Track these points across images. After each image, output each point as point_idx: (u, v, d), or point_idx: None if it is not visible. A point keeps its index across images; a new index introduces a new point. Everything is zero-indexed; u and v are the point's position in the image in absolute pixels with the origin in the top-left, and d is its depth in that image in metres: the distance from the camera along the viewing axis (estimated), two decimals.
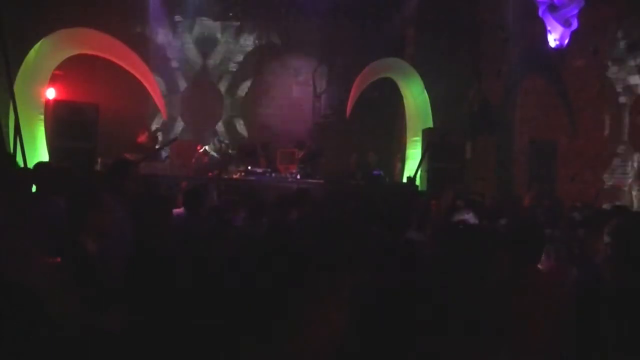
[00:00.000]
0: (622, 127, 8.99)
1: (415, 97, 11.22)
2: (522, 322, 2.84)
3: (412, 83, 11.22)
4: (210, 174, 9.74)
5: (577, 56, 9.52)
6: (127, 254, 3.22)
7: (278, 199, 5.35)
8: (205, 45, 12.28)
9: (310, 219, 4.19)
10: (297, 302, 1.65)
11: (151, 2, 11.37)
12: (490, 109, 11.51)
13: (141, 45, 10.55)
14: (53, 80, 9.50)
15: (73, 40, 9.52)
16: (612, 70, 9.11)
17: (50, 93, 9.45)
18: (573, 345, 2.84)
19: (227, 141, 10.55)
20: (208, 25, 12.19)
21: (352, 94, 10.69)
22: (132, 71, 10.26)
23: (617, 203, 7.80)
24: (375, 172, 10.70)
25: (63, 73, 9.75)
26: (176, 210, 4.40)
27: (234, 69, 12.46)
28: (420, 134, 10.76)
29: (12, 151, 6.79)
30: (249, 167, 9.91)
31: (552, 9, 8.91)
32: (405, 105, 11.53)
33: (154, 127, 11.57)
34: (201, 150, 10.32)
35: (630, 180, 8.78)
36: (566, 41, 8.96)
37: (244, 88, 12.56)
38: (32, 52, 8.94)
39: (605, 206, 7.78)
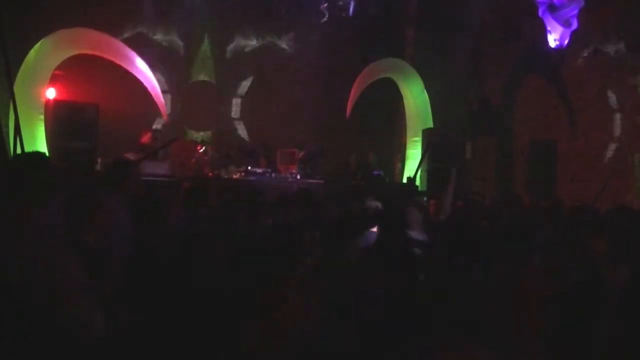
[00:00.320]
0: (622, 127, 9.00)
1: (415, 97, 11.22)
2: (521, 322, 2.84)
3: (412, 83, 11.22)
4: (210, 174, 9.74)
5: (577, 56, 9.52)
6: (127, 254, 3.22)
7: (278, 198, 5.35)
8: (205, 45, 12.28)
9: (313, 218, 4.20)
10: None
11: (147, 1, 11.36)
12: (490, 109, 11.51)
13: (141, 45, 10.54)
14: (53, 80, 9.49)
15: (73, 40, 9.52)
16: (612, 70, 9.11)
17: (50, 93, 9.45)
18: (573, 345, 2.84)
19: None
20: (208, 25, 12.19)
21: (352, 94, 10.69)
22: (132, 71, 10.26)
23: (618, 203, 7.80)
24: (375, 172, 10.70)
25: (63, 73, 9.74)
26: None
27: (234, 69, 12.45)
28: (420, 134, 10.76)
29: (12, 151, 6.79)
30: (249, 167, 9.91)
31: (552, 9, 8.91)
32: (405, 105, 11.53)
33: (154, 127, 11.57)
34: (201, 150, 10.32)
35: (630, 180, 8.78)
36: (566, 41, 8.97)
37: (244, 88, 12.56)
38: (32, 52, 8.94)
39: (605, 207, 7.78)
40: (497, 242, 3.45)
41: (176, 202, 4.49)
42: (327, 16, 12.04)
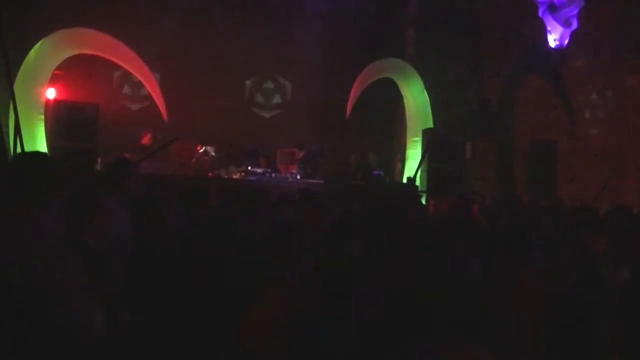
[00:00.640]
0: (622, 127, 9.00)
1: (415, 97, 11.22)
2: (521, 322, 2.84)
3: (412, 83, 11.22)
4: (210, 174, 9.74)
5: (577, 56, 9.52)
6: (127, 254, 3.22)
7: (278, 198, 5.35)
8: (205, 45, 12.27)
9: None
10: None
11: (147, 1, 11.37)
12: (490, 109, 11.51)
13: (141, 45, 10.53)
14: (53, 80, 9.49)
15: (73, 40, 9.52)
16: (612, 70, 9.11)
17: (50, 93, 9.45)
18: (573, 345, 2.84)
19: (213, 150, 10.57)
20: (208, 25, 12.18)
21: (352, 94, 10.69)
22: (132, 71, 10.26)
23: (618, 203, 7.80)
24: (375, 172, 10.71)
25: (63, 73, 9.75)
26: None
27: (234, 69, 12.45)
28: (420, 134, 10.76)
29: (12, 151, 6.79)
30: (249, 167, 9.91)
31: (552, 9, 8.91)
32: (405, 105, 11.53)
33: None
34: (201, 150, 10.32)
35: (630, 181, 8.78)
36: (566, 41, 8.97)
37: (244, 87, 12.56)
38: (32, 52, 8.94)
39: (605, 207, 7.78)
40: (497, 242, 3.45)
41: (176, 202, 4.49)
42: (327, 16, 12.03)
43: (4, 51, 6.47)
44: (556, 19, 8.88)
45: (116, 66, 9.97)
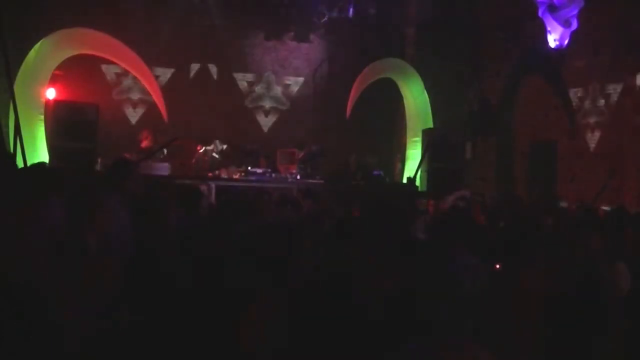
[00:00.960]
0: (622, 127, 8.99)
1: (415, 97, 11.21)
2: (521, 322, 2.84)
3: (412, 83, 11.21)
4: (210, 174, 9.74)
5: (577, 56, 9.52)
6: (127, 254, 3.22)
7: (279, 198, 5.36)
8: (205, 45, 12.27)
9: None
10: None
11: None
12: (490, 109, 11.51)
13: (141, 45, 10.53)
14: (53, 80, 9.49)
15: (73, 40, 9.52)
16: (612, 70, 9.11)
17: (50, 93, 9.45)
18: (573, 345, 2.84)
19: (225, 145, 10.55)
20: (208, 25, 12.18)
21: (352, 94, 10.69)
22: (132, 71, 10.26)
23: (617, 203, 7.80)
24: (375, 172, 10.70)
25: (63, 73, 9.74)
26: None
27: (234, 69, 12.45)
28: (420, 134, 10.75)
29: (12, 151, 6.79)
30: (249, 168, 9.91)
31: (552, 9, 8.92)
32: (405, 105, 11.52)
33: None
34: (201, 150, 10.31)
35: (630, 181, 8.78)
36: (566, 41, 8.97)
37: (244, 87, 12.55)
38: (32, 52, 8.94)
39: (605, 207, 7.78)
40: (497, 242, 3.45)
41: (176, 202, 4.49)
42: (327, 16, 12.03)
43: (4, 51, 6.47)
44: (556, 19, 8.89)
45: (116, 66, 9.96)
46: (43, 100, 9.03)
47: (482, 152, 11.44)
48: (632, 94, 8.83)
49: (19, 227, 2.07)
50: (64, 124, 8.66)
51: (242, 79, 12.57)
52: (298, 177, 9.95)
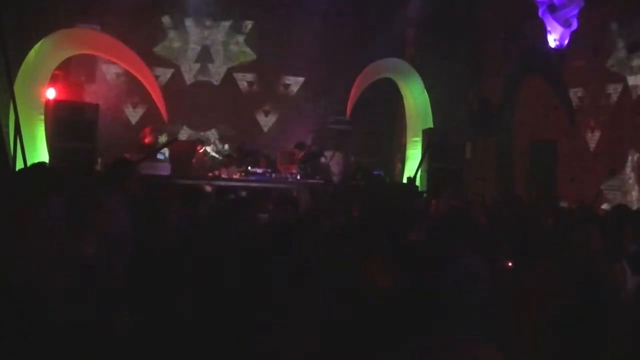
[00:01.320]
0: (622, 127, 8.99)
1: (415, 98, 11.21)
2: (521, 322, 2.84)
3: (412, 83, 11.21)
4: (210, 174, 9.73)
5: (577, 56, 9.52)
6: (127, 254, 3.22)
7: (279, 198, 5.36)
8: (205, 45, 12.27)
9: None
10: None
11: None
12: (490, 109, 11.51)
13: (142, 46, 10.54)
14: (53, 80, 9.49)
15: (73, 40, 9.52)
16: (612, 71, 9.11)
17: (50, 93, 9.45)
18: (573, 345, 2.84)
19: (226, 146, 10.58)
20: (208, 26, 12.19)
21: (352, 94, 10.69)
22: (133, 71, 10.26)
23: (617, 203, 7.80)
24: (375, 172, 10.70)
25: (63, 73, 9.74)
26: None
27: (234, 69, 12.45)
28: (420, 134, 10.75)
29: (12, 151, 6.80)
30: (249, 167, 9.91)
31: (552, 9, 8.91)
32: (405, 105, 11.52)
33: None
34: (201, 150, 10.31)
35: (630, 181, 8.78)
36: (566, 41, 8.96)
37: (244, 87, 12.55)
38: (32, 52, 8.94)
39: (605, 206, 7.79)
40: (497, 242, 3.45)
41: (176, 202, 4.49)
42: (327, 16, 12.02)
43: (4, 51, 6.48)
44: (556, 19, 8.88)
45: (116, 66, 9.96)
46: (43, 100, 9.03)
47: (482, 152, 11.43)
48: (632, 94, 8.82)
49: (19, 227, 2.07)
50: (64, 124, 8.67)
51: (242, 79, 12.57)
52: (298, 177, 9.95)
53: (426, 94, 11.01)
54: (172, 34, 11.97)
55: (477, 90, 11.74)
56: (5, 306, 1.85)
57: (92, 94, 10.01)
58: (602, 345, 2.84)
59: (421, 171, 9.59)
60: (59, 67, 9.50)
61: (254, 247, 3.02)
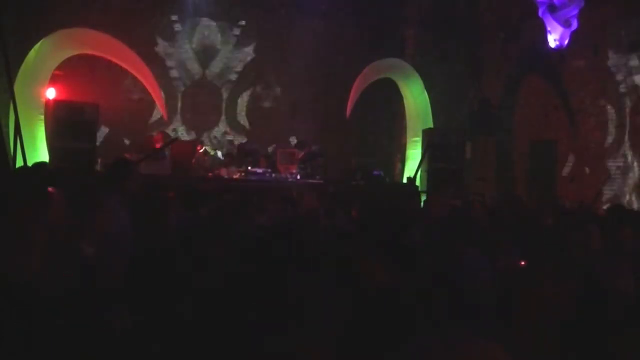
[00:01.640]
0: (622, 127, 9.00)
1: (415, 98, 11.22)
2: (522, 322, 2.84)
3: (412, 83, 11.22)
4: (210, 174, 9.74)
5: (577, 56, 9.52)
6: (127, 254, 3.22)
7: (279, 198, 5.36)
8: (205, 45, 12.27)
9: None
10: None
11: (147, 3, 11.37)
12: (490, 109, 11.51)
13: (142, 46, 10.53)
14: (53, 80, 9.50)
15: (73, 40, 9.52)
16: (612, 70, 9.11)
17: (50, 93, 9.45)
18: (573, 345, 2.84)
19: (219, 153, 10.58)
20: (208, 25, 12.19)
21: (352, 94, 10.69)
22: (133, 71, 10.26)
23: (617, 203, 7.81)
24: (375, 172, 10.70)
25: (63, 73, 9.75)
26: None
27: (235, 68, 12.45)
28: (420, 134, 10.76)
29: (12, 151, 6.79)
30: (249, 167, 9.91)
31: (552, 9, 8.91)
32: (405, 105, 11.53)
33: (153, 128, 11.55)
34: (201, 150, 10.32)
35: (630, 181, 8.78)
36: (566, 41, 8.96)
37: (245, 88, 12.55)
38: (32, 52, 8.95)
39: (605, 206, 7.78)
40: (497, 242, 3.45)
41: (176, 202, 4.49)
42: (327, 16, 12.03)
43: (4, 51, 6.47)
44: (556, 19, 8.88)
45: (116, 66, 9.94)
46: (43, 100, 9.04)
47: (482, 152, 11.44)
48: (632, 94, 8.82)
49: (19, 227, 2.07)
50: (64, 124, 8.68)
51: (242, 79, 12.56)
52: (298, 177, 9.96)
53: (426, 94, 11.02)
54: (172, 33, 11.97)
55: (477, 90, 11.75)
56: (5, 306, 1.85)
57: (92, 94, 9.99)
58: (602, 346, 2.84)
59: (421, 171, 9.60)
60: (59, 67, 9.50)
61: (254, 247, 3.02)
